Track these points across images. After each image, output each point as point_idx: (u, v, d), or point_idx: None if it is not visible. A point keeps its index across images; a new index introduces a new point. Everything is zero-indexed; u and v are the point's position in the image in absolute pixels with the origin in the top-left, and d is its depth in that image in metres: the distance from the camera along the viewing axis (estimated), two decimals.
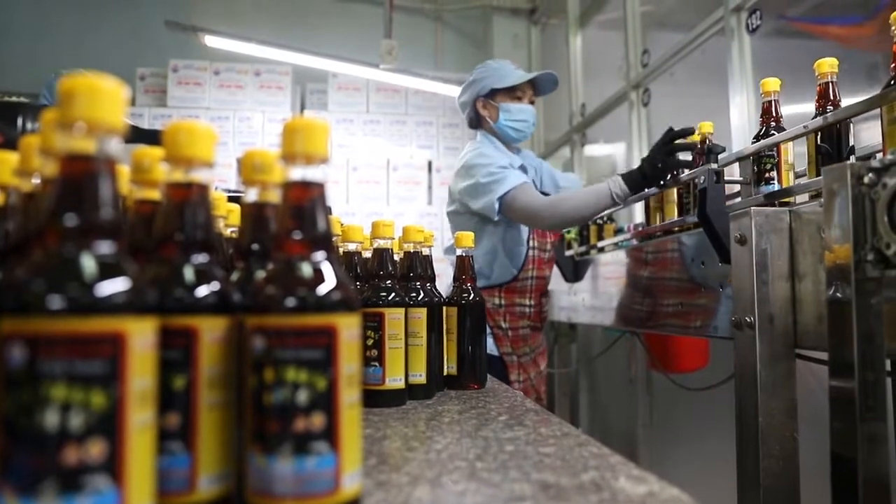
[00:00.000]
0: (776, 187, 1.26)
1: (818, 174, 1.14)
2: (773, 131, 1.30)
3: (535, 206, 1.78)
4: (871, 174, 0.82)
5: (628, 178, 1.63)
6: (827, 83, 1.19)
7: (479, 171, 1.85)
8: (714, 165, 1.32)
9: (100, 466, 0.35)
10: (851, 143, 1.13)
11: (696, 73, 2.69)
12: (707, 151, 1.40)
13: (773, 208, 1.13)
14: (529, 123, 1.96)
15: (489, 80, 1.97)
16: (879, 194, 0.81)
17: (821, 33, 2.13)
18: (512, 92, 1.95)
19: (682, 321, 1.45)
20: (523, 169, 1.97)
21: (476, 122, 2.05)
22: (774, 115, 1.32)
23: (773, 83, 1.34)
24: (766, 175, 1.27)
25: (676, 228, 1.57)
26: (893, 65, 1.03)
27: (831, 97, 1.18)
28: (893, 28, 1.03)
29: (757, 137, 1.32)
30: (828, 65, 1.20)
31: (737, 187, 1.38)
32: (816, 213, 1.04)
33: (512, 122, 1.95)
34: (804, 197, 1.22)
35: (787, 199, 1.24)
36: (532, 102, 1.98)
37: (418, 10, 4.33)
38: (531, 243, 1.96)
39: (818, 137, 1.17)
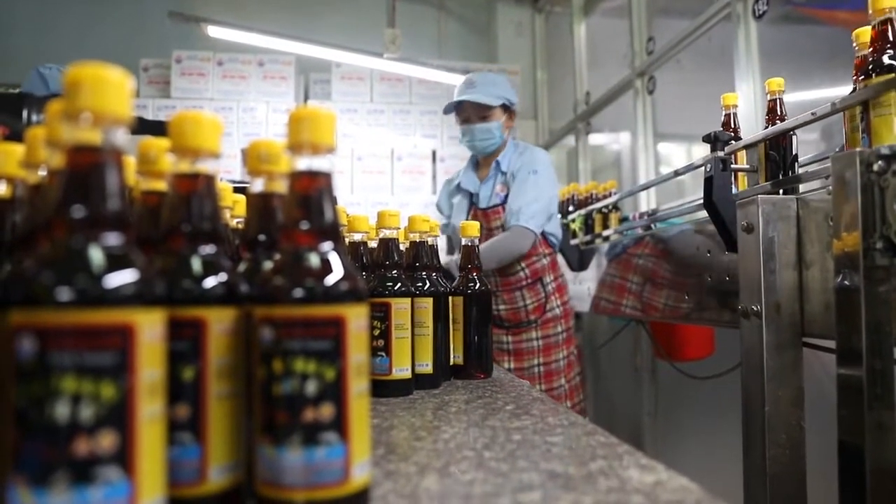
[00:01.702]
0: (734, 190, 1.41)
1: (767, 179, 1.27)
2: (731, 141, 1.43)
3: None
4: (880, 162, 0.82)
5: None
6: (775, 99, 1.33)
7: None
8: (720, 153, 1.31)
9: (111, 458, 0.35)
10: (795, 151, 1.25)
11: (702, 61, 2.67)
12: (713, 139, 1.39)
13: (781, 196, 1.12)
14: (466, 139, 2.19)
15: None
16: (889, 182, 0.81)
17: (828, 19, 2.11)
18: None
19: (687, 309, 1.45)
20: (458, 188, 2.27)
21: None
22: (732, 126, 1.49)
23: (732, 97, 1.50)
24: None
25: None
26: (854, 76, 1.07)
27: (779, 112, 1.33)
28: (855, 44, 1.10)
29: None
30: (776, 83, 1.34)
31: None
32: (824, 201, 1.03)
33: (463, 143, 2.23)
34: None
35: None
36: (466, 121, 2.18)
37: None
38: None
39: (767, 146, 1.28)
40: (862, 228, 0.83)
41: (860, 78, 1.04)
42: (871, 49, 1.02)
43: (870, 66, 1.01)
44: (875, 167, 0.82)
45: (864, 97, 0.98)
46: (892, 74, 0.96)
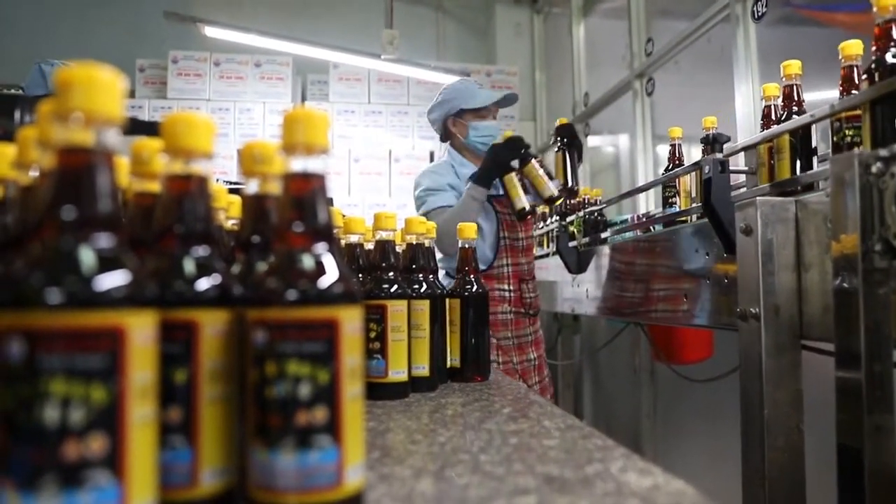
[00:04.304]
0: (677, 209, 1.66)
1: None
2: (676, 168, 1.70)
3: (437, 231, 1.91)
4: (878, 163, 0.82)
5: (476, 178, 1.97)
6: (709, 135, 1.56)
7: (416, 188, 2.16)
8: (719, 155, 1.31)
9: (100, 461, 0.34)
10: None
11: (701, 62, 2.67)
12: (712, 141, 1.39)
13: (779, 198, 1.12)
14: (495, 137, 2.15)
15: (458, 101, 2.18)
16: (887, 184, 0.81)
17: (827, 20, 2.11)
18: (478, 111, 2.18)
19: (686, 312, 1.44)
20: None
21: (445, 137, 2.27)
22: (677, 156, 1.74)
23: (676, 131, 1.72)
24: (670, 200, 1.71)
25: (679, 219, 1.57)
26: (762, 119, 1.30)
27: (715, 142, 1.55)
28: (762, 97, 1.31)
29: (665, 171, 1.74)
30: (711, 120, 1.53)
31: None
32: (823, 203, 1.03)
33: (479, 138, 2.15)
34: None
35: (683, 218, 1.59)
36: (495, 117, 2.21)
37: (420, 0, 4.31)
38: (502, 234, 2.13)
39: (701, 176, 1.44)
40: (860, 230, 0.83)
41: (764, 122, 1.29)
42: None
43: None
44: (874, 169, 0.82)
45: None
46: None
